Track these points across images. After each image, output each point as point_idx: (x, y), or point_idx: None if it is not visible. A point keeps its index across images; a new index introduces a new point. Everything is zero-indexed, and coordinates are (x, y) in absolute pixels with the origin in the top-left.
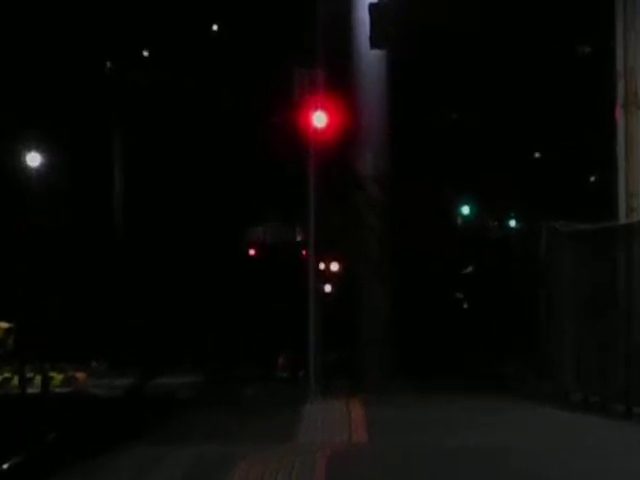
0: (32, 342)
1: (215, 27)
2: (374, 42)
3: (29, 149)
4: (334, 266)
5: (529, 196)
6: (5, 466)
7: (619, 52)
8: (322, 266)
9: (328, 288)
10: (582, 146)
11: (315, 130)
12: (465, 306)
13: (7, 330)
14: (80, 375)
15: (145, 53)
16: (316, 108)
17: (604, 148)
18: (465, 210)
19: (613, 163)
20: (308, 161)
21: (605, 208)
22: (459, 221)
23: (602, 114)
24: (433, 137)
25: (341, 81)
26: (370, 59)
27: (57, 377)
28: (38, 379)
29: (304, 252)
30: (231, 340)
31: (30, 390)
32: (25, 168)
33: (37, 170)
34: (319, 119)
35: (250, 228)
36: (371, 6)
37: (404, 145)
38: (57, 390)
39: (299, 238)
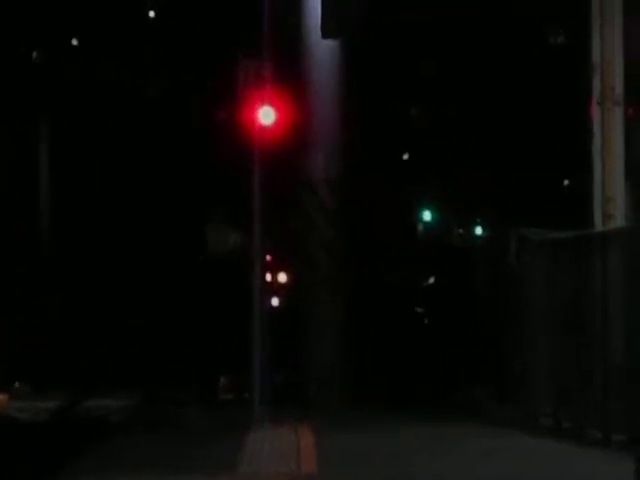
0: None
1: (152, 14)
2: (325, 31)
3: None
4: (282, 277)
5: (496, 201)
6: None
7: (595, 43)
8: (269, 277)
9: (275, 301)
10: (554, 146)
11: (261, 127)
12: (426, 322)
13: None
14: (0, 398)
15: (75, 42)
16: (262, 103)
17: (578, 148)
18: (426, 216)
19: (588, 165)
20: (253, 162)
21: (579, 215)
22: (420, 228)
23: (578, 110)
24: (391, 135)
25: (290, 73)
26: (322, 49)
27: None
28: None
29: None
30: (170, 357)
31: None
32: None
33: None
34: (266, 115)
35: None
36: None
37: (359, 144)
38: None
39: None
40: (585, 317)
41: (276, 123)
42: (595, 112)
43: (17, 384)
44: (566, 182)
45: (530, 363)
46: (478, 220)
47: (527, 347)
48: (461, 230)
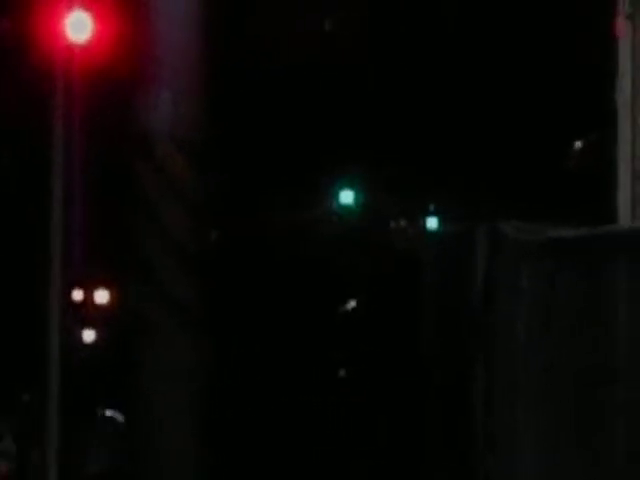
0: None
1: None
2: None
3: None
4: (101, 296)
5: (461, 178)
6: None
7: None
8: (79, 295)
9: (90, 336)
10: (553, 91)
11: (69, 47)
12: (342, 374)
13: None
14: None
15: None
16: (72, 7)
17: (591, 93)
18: (346, 198)
19: (608, 120)
20: (53, 105)
21: (593, 200)
22: (334, 217)
23: (591, 30)
24: (290, 69)
25: None
26: None
27: None
28: None
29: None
30: None
31: None
32: None
33: None
34: (77, 26)
35: None
36: None
37: (237, 84)
38: None
39: None
40: (605, 377)
41: (93, 40)
42: (622, 31)
43: None
44: (577, 145)
45: (509, 458)
46: (431, 207)
47: (504, 432)
48: (404, 222)
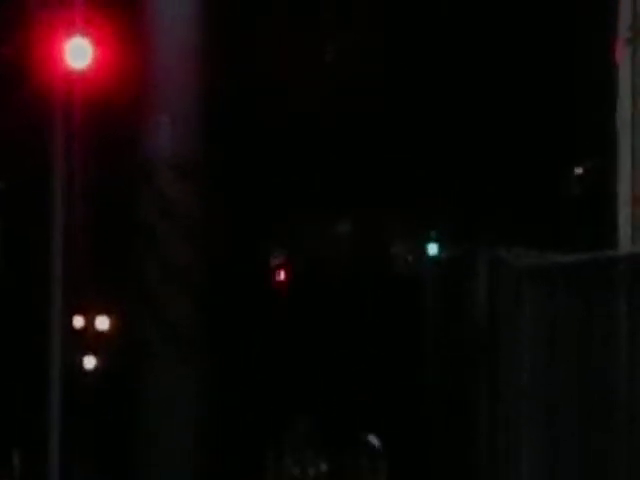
0: None
1: None
2: None
3: None
4: (102, 322)
5: (463, 204)
6: None
7: None
8: (80, 322)
9: (91, 362)
10: (553, 117)
11: (69, 73)
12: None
13: None
14: None
15: None
16: (72, 33)
17: (592, 119)
18: (343, 226)
19: (609, 145)
20: (53, 131)
21: (593, 226)
22: (333, 244)
23: (592, 54)
24: (287, 93)
25: None
26: None
27: None
28: None
29: None
30: None
31: None
32: None
33: None
34: (77, 53)
35: None
36: None
37: (237, 108)
38: None
39: None
40: (607, 402)
41: (93, 66)
42: (622, 55)
43: None
44: (578, 171)
45: None
46: (432, 234)
47: (508, 457)
48: (405, 248)
